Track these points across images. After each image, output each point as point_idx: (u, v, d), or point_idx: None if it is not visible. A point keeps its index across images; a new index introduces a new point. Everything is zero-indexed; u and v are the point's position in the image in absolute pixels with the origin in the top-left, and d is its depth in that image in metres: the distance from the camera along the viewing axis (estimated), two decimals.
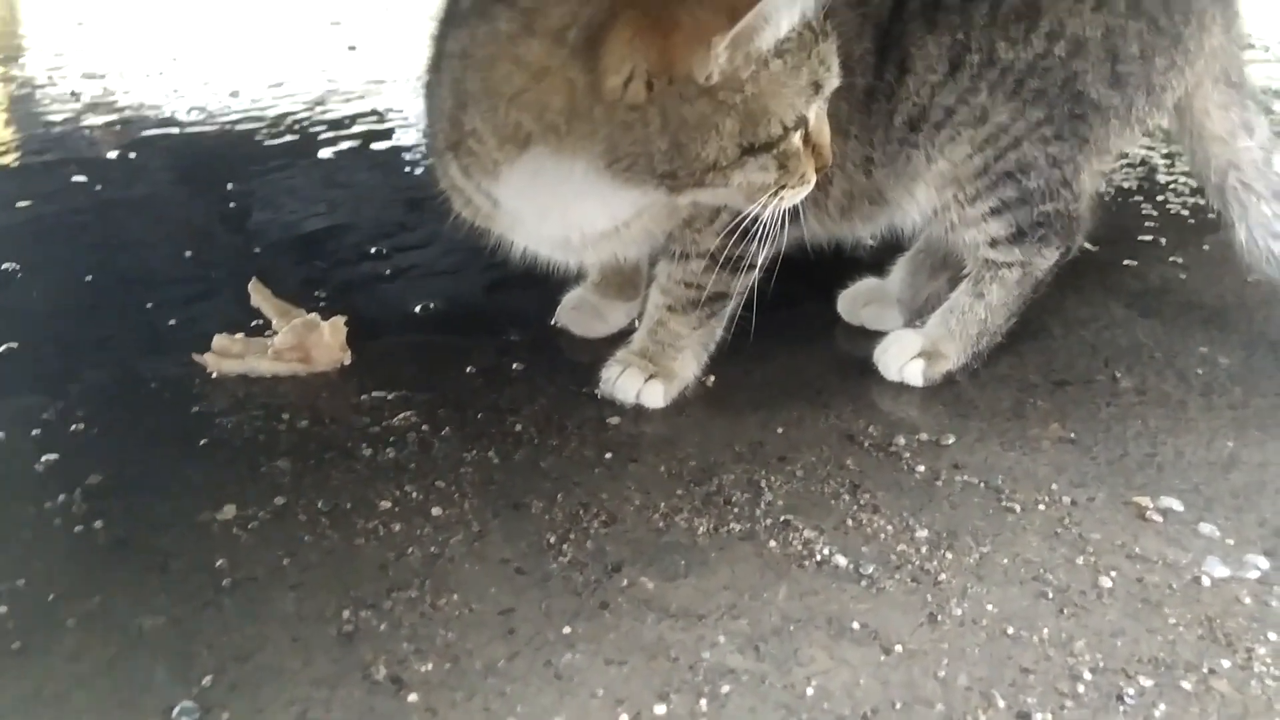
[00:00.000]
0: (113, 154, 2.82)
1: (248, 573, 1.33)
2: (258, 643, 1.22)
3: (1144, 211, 2.44)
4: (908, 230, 1.76)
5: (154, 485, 1.50)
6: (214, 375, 1.75)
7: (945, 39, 1.52)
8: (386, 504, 1.46)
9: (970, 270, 1.72)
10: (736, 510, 1.45)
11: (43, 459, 1.54)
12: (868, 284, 1.93)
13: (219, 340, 1.77)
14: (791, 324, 1.91)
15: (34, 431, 1.60)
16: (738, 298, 1.68)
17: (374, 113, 3.18)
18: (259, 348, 1.77)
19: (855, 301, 1.92)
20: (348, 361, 1.78)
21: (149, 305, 2.01)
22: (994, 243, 1.65)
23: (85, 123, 3.09)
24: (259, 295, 1.86)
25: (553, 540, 1.39)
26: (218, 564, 1.34)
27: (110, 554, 1.37)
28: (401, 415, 1.66)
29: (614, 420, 1.66)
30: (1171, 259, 2.19)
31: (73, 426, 1.62)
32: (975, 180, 1.60)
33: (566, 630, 1.24)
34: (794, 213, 1.44)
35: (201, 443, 1.60)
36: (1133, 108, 1.60)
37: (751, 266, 1.63)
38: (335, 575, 1.33)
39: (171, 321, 1.95)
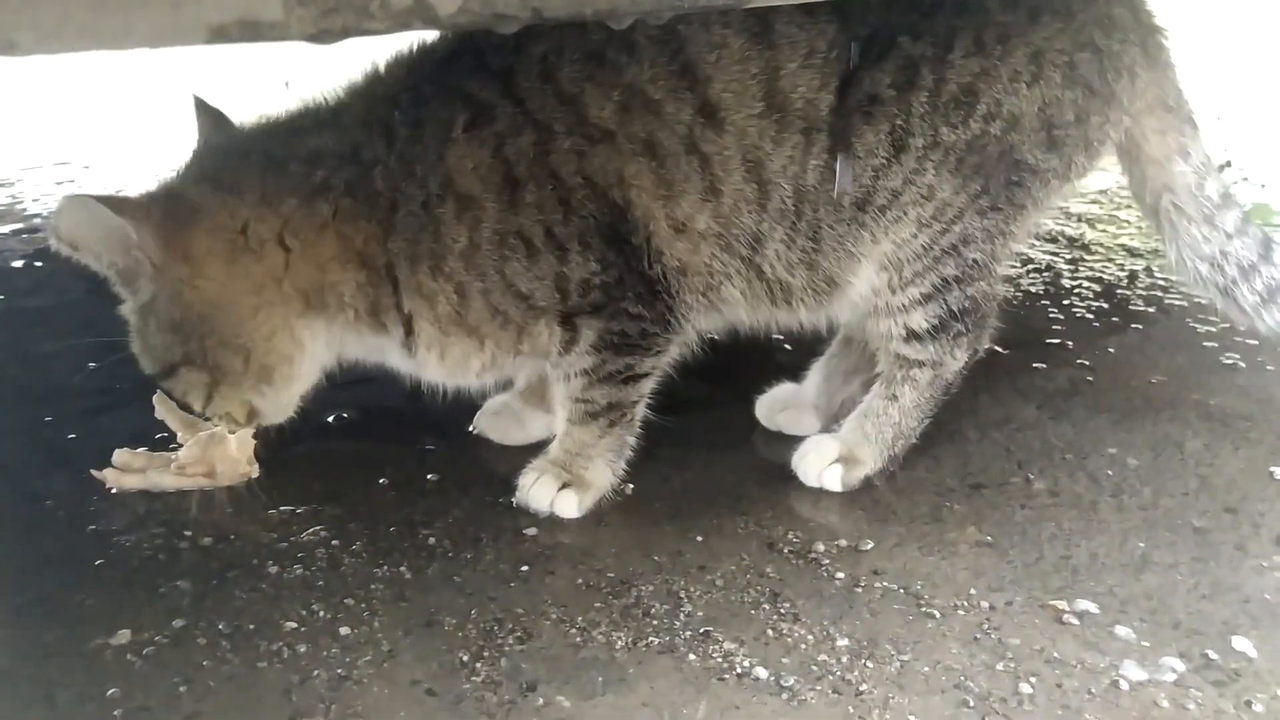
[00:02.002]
0: (18, 263, 2.75)
1: (141, 703, 1.26)
2: None
3: (1050, 315, 2.51)
4: (843, 319, 1.77)
5: (44, 610, 1.43)
6: (114, 491, 1.69)
7: (884, 127, 1.56)
8: (292, 624, 1.40)
9: (882, 371, 1.74)
10: (655, 622, 1.41)
11: None
12: (785, 389, 1.94)
13: (120, 455, 1.71)
14: (710, 428, 1.91)
15: None
16: (639, 405, 1.68)
17: None
18: (162, 462, 1.71)
19: (773, 407, 1.93)
20: (255, 475, 1.72)
21: (47, 419, 1.94)
22: (912, 335, 1.67)
23: None
24: (164, 407, 1.79)
25: (466, 659, 1.34)
26: (109, 693, 1.27)
27: None
28: (310, 530, 1.61)
29: (530, 531, 1.62)
30: (1079, 361, 2.25)
31: None
32: (917, 260, 1.62)
33: None
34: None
35: (97, 563, 1.53)
36: (1072, 165, 1.66)
37: (640, 376, 1.64)
38: (235, 703, 1.27)
39: (71, 436, 1.88)
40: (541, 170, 1.53)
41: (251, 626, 1.39)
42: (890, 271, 1.64)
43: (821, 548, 1.58)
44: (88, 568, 1.52)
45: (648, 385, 1.68)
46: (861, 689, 1.29)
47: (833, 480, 1.73)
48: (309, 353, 1.58)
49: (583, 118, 1.53)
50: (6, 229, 3.06)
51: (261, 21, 0.83)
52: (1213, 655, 1.36)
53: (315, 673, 1.31)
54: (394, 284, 1.56)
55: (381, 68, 1.62)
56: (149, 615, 1.41)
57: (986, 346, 1.77)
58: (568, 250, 1.56)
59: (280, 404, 1.61)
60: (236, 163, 1.55)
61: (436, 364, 1.63)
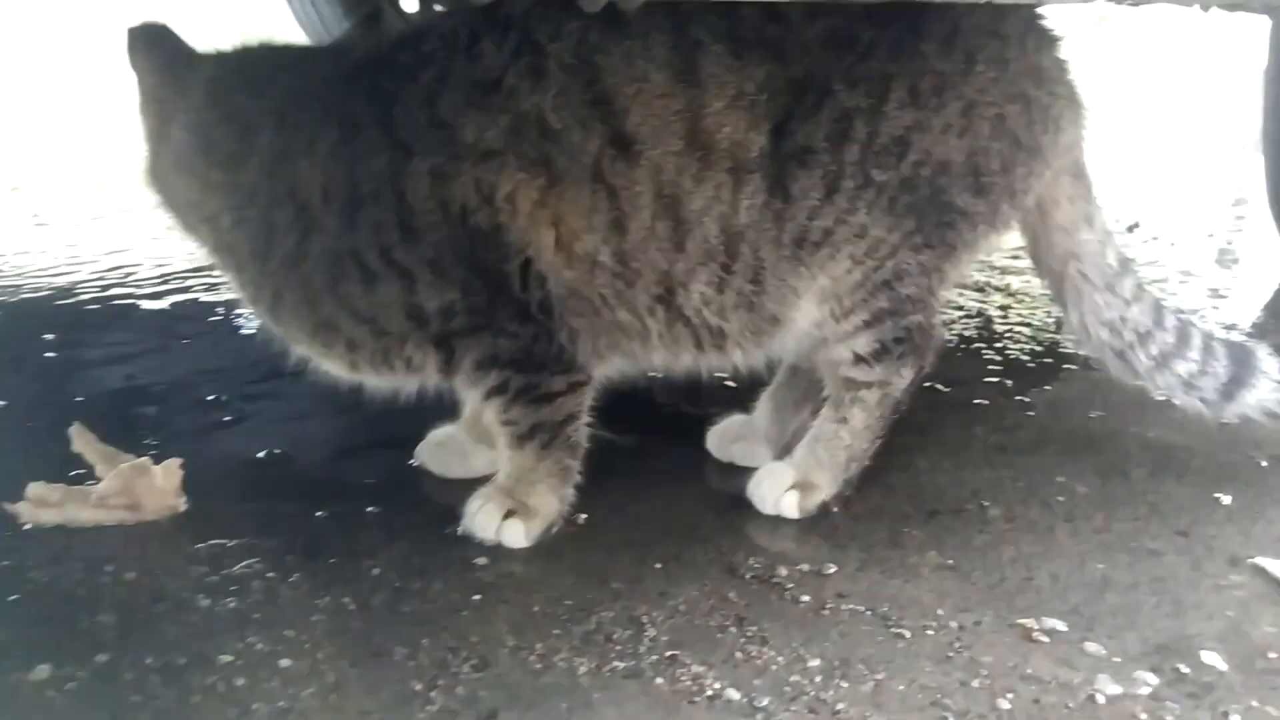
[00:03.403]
0: None
1: None
2: None
3: (986, 356, 2.53)
4: (786, 355, 1.75)
5: None
6: (27, 526, 1.57)
7: (817, 173, 1.55)
8: (228, 658, 1.31)
9: (831, 395, 1.72)
10: (619, 648, 1.35)
11: None
12: (736, 420, 1.91)
13: (34, 488, 1.60)
14: (661, 460, 1.87)
15: None
16: (569, 425, 1.61)
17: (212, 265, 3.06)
18: (80, 496, 1.60)
19: (724, 438, 1.89)
20: (182, 508, 1.62)
21: None
22: (858, 359, 1.66)
23: None
24: (81, 440, 1.69)
25: (419, 688, 1.26)
26: None
27: None
28: (244, 564, 1.51)
29: (480, 561, 1.55)
30: (1019, 398, 2.26)
31: None
32: (853, 293, 1.61)
33: None
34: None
35: (11, 599, 1.41)
36: (998, 213, 1.67)
37: (554, 395, 1.59)
38: None
39: None
40: (387, 192, 1.49)
41: (183, 661, 1.29)
42: (831, 302, 1.63)
43: (784, 572, 1.54)
44: (1, 603, 1.40)
45: (571, 404, 1.61)
46: (838, 708, 1.25)
47: (790, 506, 1.69)
48: None
49: (454, 140, 1.48)
50: None
51: None
52: (1184, 669, 1.35)
53: (254, 706, 1.22)
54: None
55: (305, 64, 1.59)
56: (70, 650, 1.30)
57: (930, 365, 1.76)
58: (415, 279, 1.51)
59: None
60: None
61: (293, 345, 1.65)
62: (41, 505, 1.58)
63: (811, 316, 1.63)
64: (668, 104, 1.50)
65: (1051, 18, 1.69)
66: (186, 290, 2.80)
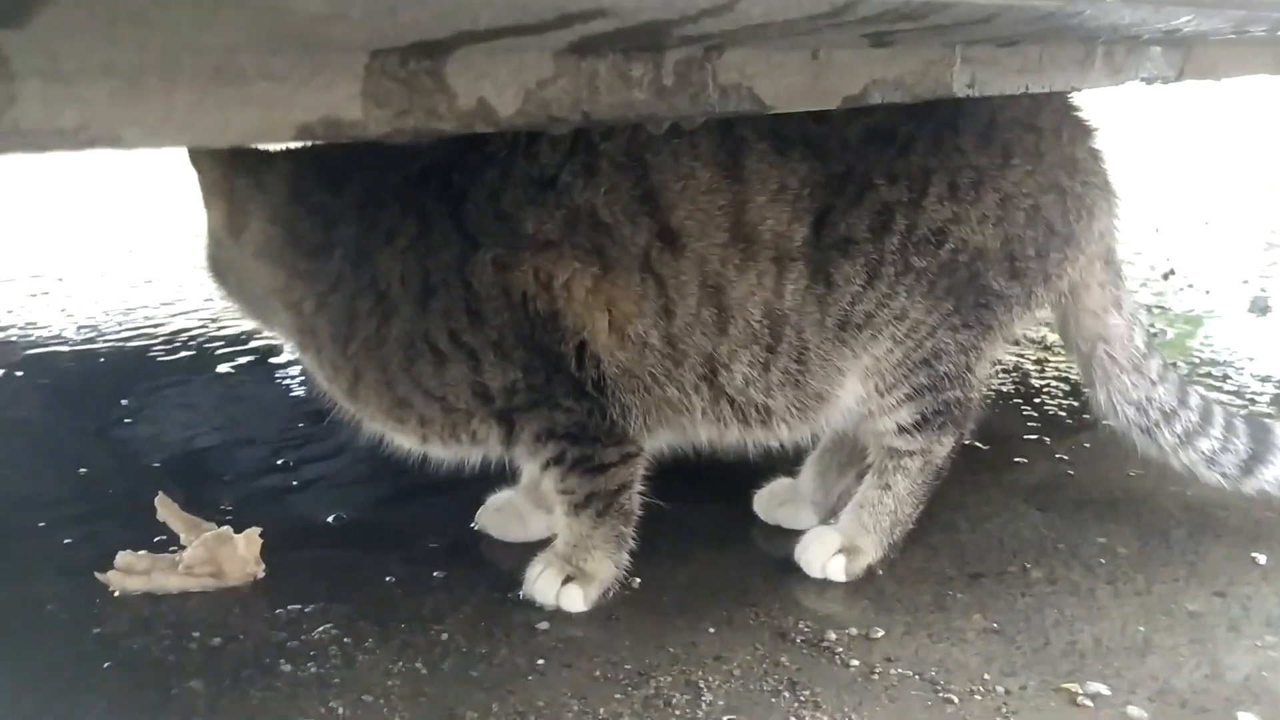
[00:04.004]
0: None
1: None
2: None
3: (1024, 413, 2.59)
4: (832, 429, 1.82)
5: (52, 717, 1.39)
6: (117, 594, 1.66)
7: (859, 261, 1.63)
8: None
9: (874, 462, 1.79)
10: (678, 713, 1.42)
11: None
12: (782, 484, 1.98)
13: (123, 557, 1.69)
14: (709, 524, 1.94)
15: None
16: (623, 494, 1.69)
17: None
18: (166, 564, 1.70)
19: (771, 501, 1.96)
20: (260, 575, 1.71)
21: (40, 524, 1.91)
22: (900, 430, 1.73)
23: None
24: (165, 509, 1.79)
25: None
26: None
27: None
28: (321, 628, 1.60)
29: (543, 625, 1.63)
30: (1057, 455, 2.31)
31: None
32: (895, 370, 1.68)
33: None
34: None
35: (105, 666, 1.50)
36: (1032, 295, 1.74)
37: (608, 466, 1.67)
38: None
39: (67, 541, 1.85)
40: (455, 279, 1.59)
41: None
42: (874, 379, 1.70)
43: (833, 636, 1.60)
44: (95, 672, 1.49)
45: (624, 474, 1.69)
46: None
47: (837, 571, 1.75)
48: None
49: (515, 232, 1.57)
50: None
51: (343, 120, 0.88)
52: None
53: None
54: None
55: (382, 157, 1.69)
56: (164, 718, 1.39)
57: (970, 432, 1.83)
58: (480, 360, 1.61)
59: None
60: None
61: (368, 422, 1.74)
62: (129, 574, 1.67)
63: (856, 393, 1.70)
64: (713, 199, 1.58)
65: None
66: (250, 351, 2.92)
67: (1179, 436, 1.87)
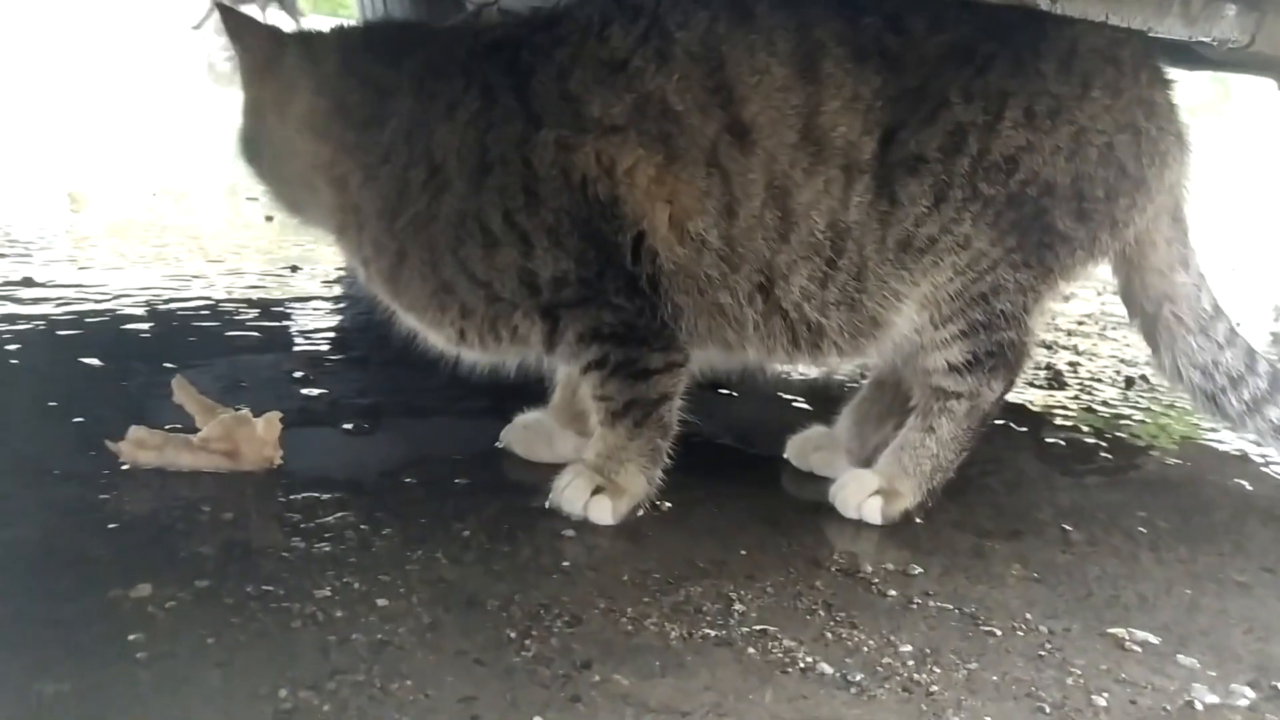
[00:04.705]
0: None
1: (166, 649, 1.17)
2: (180, 714, 1.05)
3: (1056, 401, 2.53)
4: (880, 359, 1.76)
5: (56, 562, 1.34)
6: (126, 466, 1.60)
7: (927, 181, 1.57)
8: (325, 592, 1.32)
9: (918, 404, 1.73)
10: (708, 619, 1.35)
11: None
12: (817, 431, 1.91)
13: (135, 431, 1.63)
14: (738, 468, 1.88)
15: None
16: (664, 404, 1.62)
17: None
18: (179, 441, 1.63)
19: (805, 447, 1.90)
20: (278, 462, 1.65)
21: (51, 403, 1.85)
22: (950, 368, 1.67)
23: None
24: (182, 392, 1.72)
25: (513, 635, 1.27)
26: (131, 638, 1.18)
27: (4, 624, 1.19)
28: (337, 515, 1.53)
29: (568, 533, 1.56)
30: (1092, 440, 2.25)
31: None
32: (952, 302, 1.62)
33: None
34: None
35: (110, 526, 1.44)
36: (1096, 241, 1.68)
37: (653, 372, 1.60)
38: (269, 656, 1.18)
39: (79, 419, 1.79)
40: (514, 157, 1.53)
41: (281, 591, 1.31)
42: (931, 309, 1.65)
43: (869, 568, 1.54)
44: (100, 529, 1.43)
45: (667, 383, 1.62)
46: (932, 690, 1.24)
47: (872, 512, 1.69)
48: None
49: (580, 114, 1.53)
50: None
51: None
52: None
53: (354, 636, 1.23)
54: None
55: (442, 37, 1.65)
56: (170, 574, 1.32)
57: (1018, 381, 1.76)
58: (533, 245, 1.55)
59: None
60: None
61: (403, 312, 1.69)
62: (141, 447, 1.61)
63: (912, 321, 1.64)
64: (786, 97, 1.54)
65: None
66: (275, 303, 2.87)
67: (1246, 403, 1.81)
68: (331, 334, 2.49)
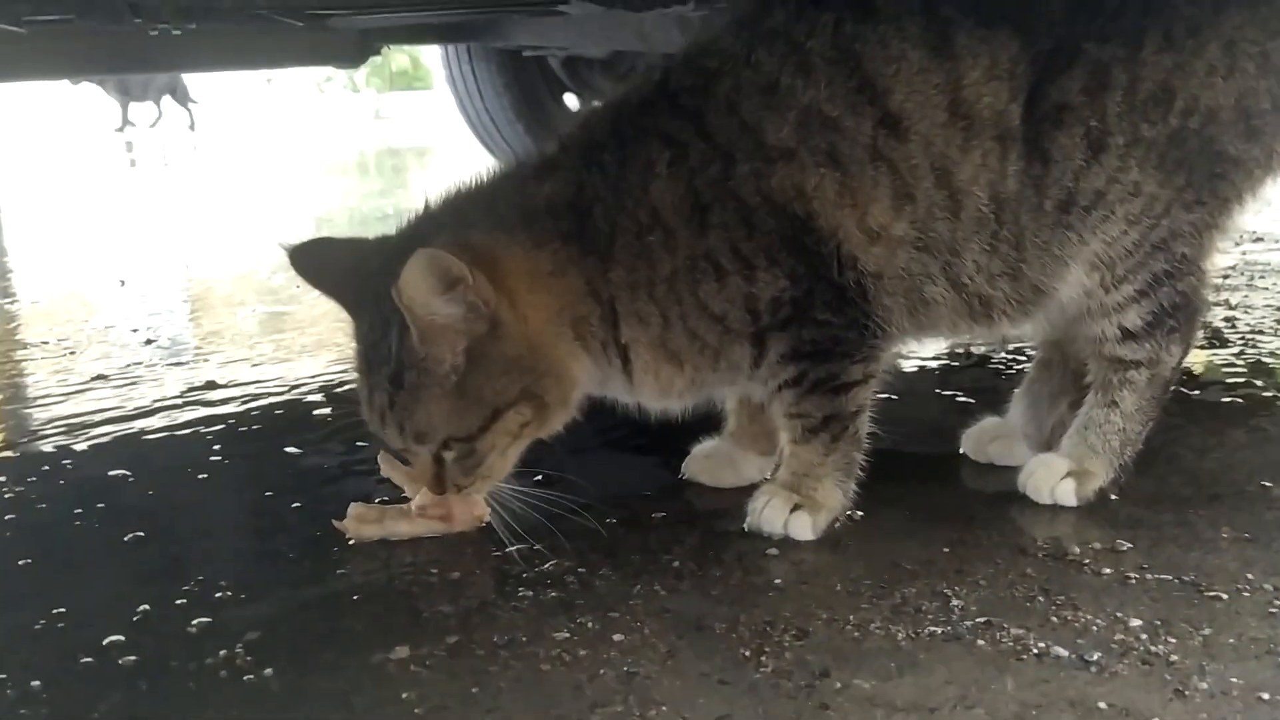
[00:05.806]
0: None
1: (438, 703, 1.26)
2: None
3: (1222, 359, 2.49)
4: (1042, 331, 1.78)
5: (315, 636, 1.44)
6: (352, 541, 1.71)
7: (1077, 130, 1.58)
8: (563, 635, 1.40)
9: (1096, 379, 1.73)
10: (930, 617, 1.39)
11: (193, 622, 1.48)
12: (991, 421, 1.93)
13: (355, 507, 1.74)
14: (917, 468, 1.90)
15: (178, 601, 1.55)
16: (859, 416, 1.67)
17: None
18: (396, 511, 1.74)
19: (981, 438, 1.92)
20: (487, 519, 1.74)
21: (267, 493, 1.98)
22: (1124, 336, 1.67)
23: None
24: (387, 465, 1.84)
25: (748, 654, 1.33)
26: (404, 695, 1.27)
27: (287, 697, 1.30)
28: (552, 562, 1.62)
29: (772, 552, 1.62)
30: (1267, 395, 2.21)
31: (217, 594, 1.56)
32: (1128, 258, 1.63)
33: None
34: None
35: (354, 598, 1.55)
36: (1273, 155, 1.66)
37: (850, 385, 1.64)
38: (530, 699, 1.26)
39: (296, 505, 1.92)
40: (725, 195, 1.58)
41: (524, 638, 1.39)
42: (1102, 270, 1.65)
43: (1077, 550, 1.55)
44: (346, 601, 1.54)
45: (863, 395, 1.66)
46: (1172, 659, 1.25)
47: (1066, 494, 1.70)
48: (581, 383, 1.64)
49: (761, 142, 1.58)
50: None
51: None
52: None
53: (602, 672, 1.30)
54: (614, 315, 1.62)
55: (586, 119, 1.72)
56: (419, 634, 1.42)
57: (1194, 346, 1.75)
58: (754, 268, 1.59)
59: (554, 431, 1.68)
60: (502, 212, 1.61)
61: (651, 388, 1.68)
62: (364, 521, 1.72)
63: (1081, 285, 1.65)
64: (927, 78, 1.57)
65: None
66: None
67: None
68: None
